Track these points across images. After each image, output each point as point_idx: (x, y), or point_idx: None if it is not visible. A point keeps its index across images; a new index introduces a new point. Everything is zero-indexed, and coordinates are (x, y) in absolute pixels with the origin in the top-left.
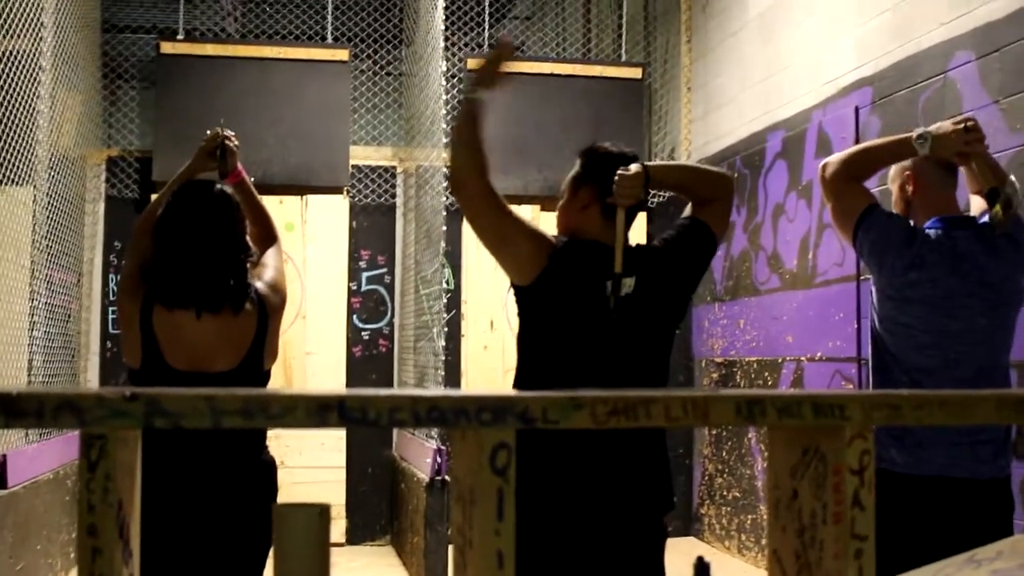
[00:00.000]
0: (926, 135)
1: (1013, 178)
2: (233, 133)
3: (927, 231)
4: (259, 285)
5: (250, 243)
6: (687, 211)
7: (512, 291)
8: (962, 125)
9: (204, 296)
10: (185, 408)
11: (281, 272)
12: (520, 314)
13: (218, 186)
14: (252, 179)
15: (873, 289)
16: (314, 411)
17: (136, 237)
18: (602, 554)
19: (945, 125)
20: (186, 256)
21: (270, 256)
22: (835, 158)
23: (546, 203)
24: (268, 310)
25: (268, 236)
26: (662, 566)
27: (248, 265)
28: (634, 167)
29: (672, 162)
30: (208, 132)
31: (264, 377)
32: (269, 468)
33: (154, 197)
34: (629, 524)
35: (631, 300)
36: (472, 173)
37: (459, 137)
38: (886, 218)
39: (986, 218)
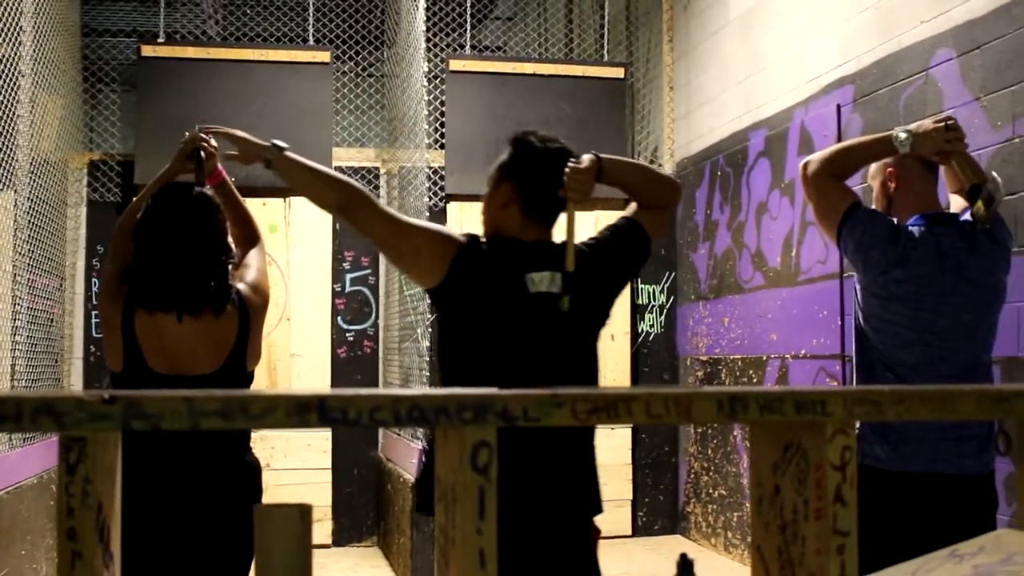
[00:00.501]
0: (907, 133)
1: (995, 174)
2: (211, 136)
3: (910, 228)
4: (241, 286)
5: (231, 245)
6: (628, 211)
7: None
8: (943, 124)
9: (185, 299)
10: (164, 410)
11: (263, 273)
12: (438, 319)
13: (197, 188)
14: (234, 180)
15: (857, 287)
16: (294, 411)
17: (115, 239)
18: (530, 559)
19: (926, 123)
20: (166, 259)
21: (252, 257)
22: (816, 156)
23: None
24: (250, 311)
25: (250, 237)
26: (597, 569)
27: (229, 267)
28: (587, 159)
29: (626, 159)
30: (187, 134)
31: (247, 379)
32: (253, 470)
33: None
34: (556, 528)
35: (554, 299)
36: (341, 196)
37: (303, 187)
38: (870, 216)
39: (967, 215)
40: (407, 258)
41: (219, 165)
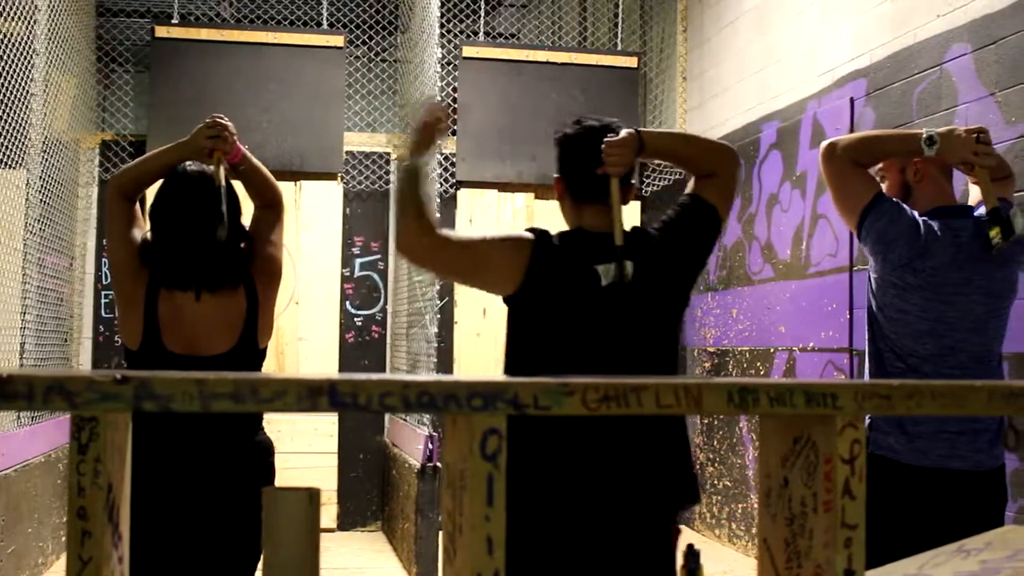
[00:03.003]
0: (935, 137)
1: (1018, 207)
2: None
3: (930, 222)
4: (254, 260)
5: (244, 226)
6: (689, 187)
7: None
8: (974, 134)
9: (204, 277)
10: (175, 391)
11: (278, 247)
12: (510, 318)
13: (218, 184)
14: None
15: (873, 277)
16: (304, 395)
17: (113, 202)
18: (598, 550)
19: (958, 131)
20: (186, 240)
21: (270, 230)
22: (842, 140)
23: (540, 191)
24: (257, 286)
25: (272, 201)
26: (672, 566)
27: (242, 245)
28: (624, 132)
29: (668, 130)
30: (208, 120)
31: (260, 355)
32: (265, 450)
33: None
34: (632, 517)
35: (629, 286)
36: (417, 238)
37: (402, 207)
38: (895, 208)
39: (982, 210)
40: (484, 280)
41: (237, 143)
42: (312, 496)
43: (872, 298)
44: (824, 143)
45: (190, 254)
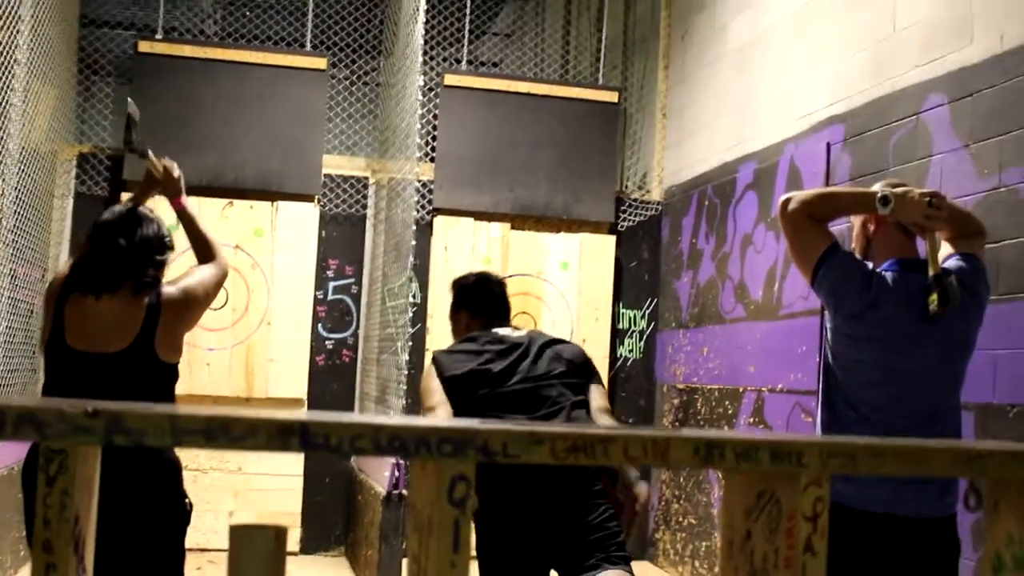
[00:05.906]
0: (889, 197)
1: (955, 276)
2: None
3: (883, 273)
4: (167, 283)
5: (155, 252)
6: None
7: None
8: (928, 198)
9: (103, 279)
10: (147, 426)
11: (200, 283)
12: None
13: (127, 149)
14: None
15: (828, 326)
16: (275, 435)
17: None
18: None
19: (912, 192)
20: (95, 251)
21: (198, 267)
22: (797, 196)
23: (516, 221)
24: (162, 304)
25: (206, 257)
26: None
27: (151, 267)
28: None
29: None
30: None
31: (162, 368)
32: (173, 467)
33: (124, 196)
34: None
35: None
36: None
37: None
38: (847, 260)
39: (949, 262)
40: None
41: (183, 197)
42: (279, 535)
43: (827, 348)
44: (782, 197)
45: (96, 260)
